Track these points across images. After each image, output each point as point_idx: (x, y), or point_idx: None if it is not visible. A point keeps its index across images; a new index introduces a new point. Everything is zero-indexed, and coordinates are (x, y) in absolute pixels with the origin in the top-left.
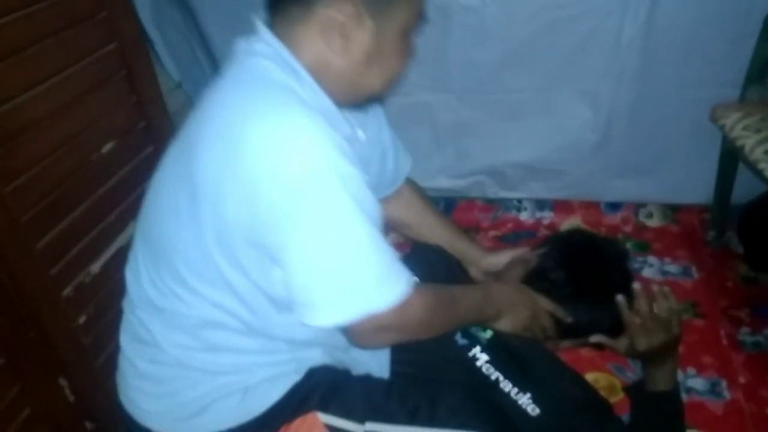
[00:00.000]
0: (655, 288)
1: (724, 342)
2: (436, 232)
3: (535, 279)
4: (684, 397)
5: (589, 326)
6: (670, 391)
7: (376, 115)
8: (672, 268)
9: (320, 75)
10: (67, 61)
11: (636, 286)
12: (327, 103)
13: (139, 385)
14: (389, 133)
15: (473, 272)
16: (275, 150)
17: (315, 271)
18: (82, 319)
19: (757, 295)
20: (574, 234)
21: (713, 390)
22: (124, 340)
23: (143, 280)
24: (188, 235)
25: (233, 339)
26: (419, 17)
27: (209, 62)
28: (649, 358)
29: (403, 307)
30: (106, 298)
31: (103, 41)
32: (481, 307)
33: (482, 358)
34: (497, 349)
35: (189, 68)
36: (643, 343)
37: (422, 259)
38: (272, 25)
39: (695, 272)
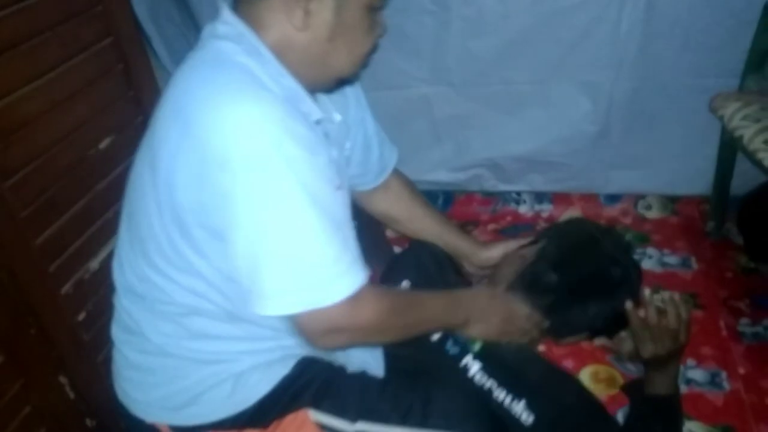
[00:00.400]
0: (665, 296)
1: (724, 333)
2: (425, 225)
3: (529, 282)
4: (684, 388)
5: (587, 326)
6: (670, 396)
7: (359, 104)
8: (671, 259)
9: (285, 54)
10: (64, 56)
11: (646, 292)
12: (291, 83)
13: (130, 375)
14: (373, 124)
15: (467, 267)
16: (223, 134)
17: (260, 257)
18: (81, 316)
19: (757, 285)
20: (572, 228)
21: (713, 381)
22: (115, 331)
23: (125, 268)
24: (155, 220)
25: (215, 326)
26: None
27: None
28: (652, 363)
29: (353, 306)
30: (106, 294)
31: (99, 36)
32: (445, 314)
33: (474, 367)
34: (488, 358)
35: None
36: (648, 350)
37: (413, 258)
38: (237, 6)
39: (695, 263)
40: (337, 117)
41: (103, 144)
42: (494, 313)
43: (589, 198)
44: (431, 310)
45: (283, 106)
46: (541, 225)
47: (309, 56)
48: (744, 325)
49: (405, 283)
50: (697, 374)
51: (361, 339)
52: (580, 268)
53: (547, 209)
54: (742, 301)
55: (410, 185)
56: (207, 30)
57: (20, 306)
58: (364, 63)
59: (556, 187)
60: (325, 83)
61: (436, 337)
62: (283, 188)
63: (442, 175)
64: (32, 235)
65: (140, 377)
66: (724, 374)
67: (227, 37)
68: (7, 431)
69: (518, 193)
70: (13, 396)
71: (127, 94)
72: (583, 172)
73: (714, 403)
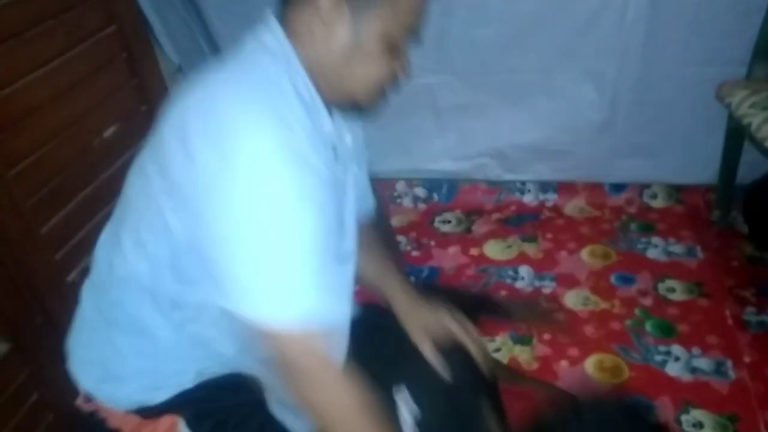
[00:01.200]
0: None
1: (729, 322)
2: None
3: None
4: (689, 377)
5: None
6: None
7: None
8: (677, 248)
9: (310, 64)
10: (67, 45)
11: None
12: (313, 95)
13: (73, 327)
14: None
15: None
16: (236, 138)
17: (237, 255)
18: None
19: (763, 274)
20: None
21: (718, 370)
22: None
23: (102, 241)
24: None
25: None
26: (408, 31)
27: (209, 45)
28: None
29: (308, 338)
30: None
31: (102, 24)
32: None
33: None
34: None
35: (188, 51)
36: None
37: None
38: (279, 11)
39: (700, 252)
40: (348, 139)
41: (108, 133)
42: None
43: (594, 187)
44: None
45: (301, 128)
46: (546, 214)
47: (326, 71)
48: (749, 313)
49: (404, 390)
50: (703, 363)
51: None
52: None
53: (552, 198)
54: (748, 289)
55: (377, 227)
56: (251, 33)
57: (26, 294)
58: (381, 95)
59: (561, 176)
60: (341, 102)
61: None
62: (279, 197)
63: (446, 165)
64: (38, 223)
65: (75, 330)
66: (729, 363)
67: (262, 42)
68: (15, 419)
69: (522, 183)
70: (21, 384)
71: (130, 82)
72: (588, 160)
73: (719, 391)
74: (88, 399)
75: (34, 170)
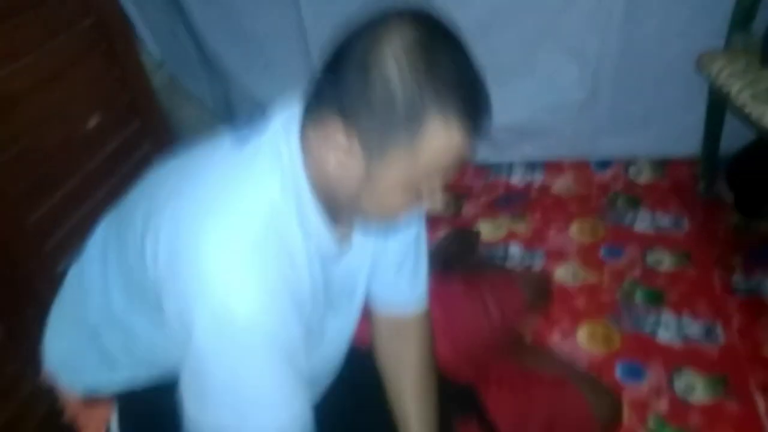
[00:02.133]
0: None
1: (718, 288)
2: (405, 403)
3: None
4: (680, 342)
5: None
6: None
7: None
8: (664, 220)
9: (319, 183)
10: (45, 35)
11: None
12: (317, 222)
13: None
14: (416, 254)
15: None
16: (219, 288)
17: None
18: None
19: (749, 241)
20: None
21: (708, 334)
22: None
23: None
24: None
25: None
26: (438, 180)
27: (191, 40)
28: None
29: None
30: None
31: (79, 15)
32: None
33: None
34: None
35: (170, 47)
36: None
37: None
38: (305, 116)
39: (687, 223)
40: (357, 239)
41: (91, 123)
42: None
43: (580, 165)
44: None
45: (280, 267)
46: (533, 195)
47: (336, 194)
48: (737, 280)
49: None
50: (693, 329)
51: None
52: None
53: (539, 179)
54: (735, 257)
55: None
56: (273, 129)
57: (17, 285)
58: (398, 222)
59: (547, 155)
60: (350, 221)
61: None
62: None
63: None
64: (25, 214)
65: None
66: (719, 328)
67: (280, 161)
68: (8, 411)
69: (510, 164)
70: (13, 375)
71: (112, 73)
72: (573, 139)
73: (710, 354)
74: (49, 375)
75: (18, 160)
